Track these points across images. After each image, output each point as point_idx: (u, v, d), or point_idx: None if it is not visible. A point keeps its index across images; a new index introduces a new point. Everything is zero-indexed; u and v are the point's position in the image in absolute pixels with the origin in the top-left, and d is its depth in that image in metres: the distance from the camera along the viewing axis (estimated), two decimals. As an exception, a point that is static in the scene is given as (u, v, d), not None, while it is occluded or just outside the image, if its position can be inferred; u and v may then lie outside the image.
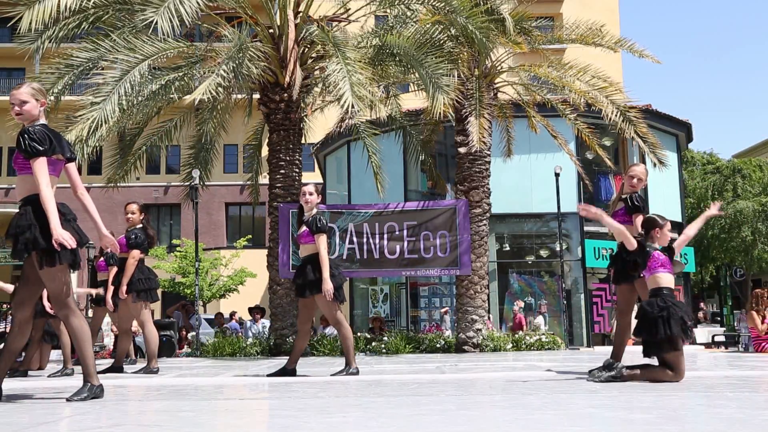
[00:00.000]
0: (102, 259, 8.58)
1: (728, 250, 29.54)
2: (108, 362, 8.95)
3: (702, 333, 18.48)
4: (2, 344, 4.95)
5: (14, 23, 10.15)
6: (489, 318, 14.40)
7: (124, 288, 7.59)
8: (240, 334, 14.06)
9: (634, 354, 6.83)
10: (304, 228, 6.56)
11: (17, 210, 4.48)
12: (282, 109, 12.29)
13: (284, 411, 3.93)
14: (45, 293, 6.33)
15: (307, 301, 6.63)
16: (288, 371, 6.60)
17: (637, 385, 5.23)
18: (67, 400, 4.37)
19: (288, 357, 6.92)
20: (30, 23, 9.96)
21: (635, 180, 6.12)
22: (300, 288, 6.58)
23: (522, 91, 14.19)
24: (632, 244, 5.66)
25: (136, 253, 7.70)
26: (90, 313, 15.00)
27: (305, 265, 6.54)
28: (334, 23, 13.16)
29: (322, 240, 6.41)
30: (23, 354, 7.93)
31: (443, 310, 18.41)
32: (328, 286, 6.32)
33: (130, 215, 7.89)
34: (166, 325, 13.42)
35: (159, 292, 8.36)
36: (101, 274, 8.63)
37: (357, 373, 6.51)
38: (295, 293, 6.89)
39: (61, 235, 4.23)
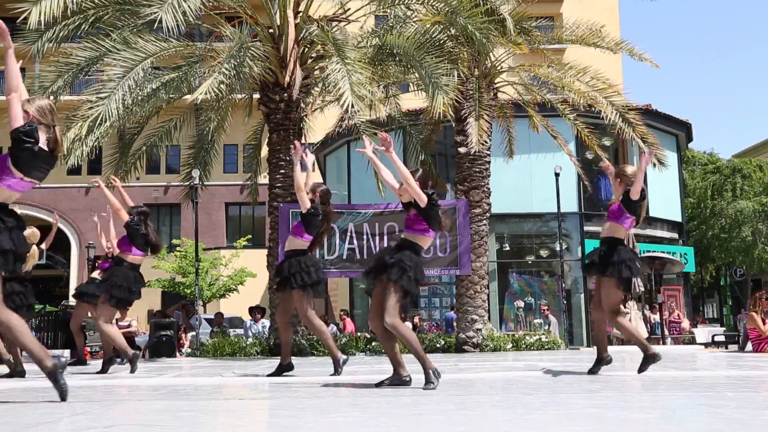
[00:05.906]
0: (102, 261, 8.59)
1: (728, 250, 29.53)
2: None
3: (702, 333, 18.47)
4: None
5: (15, 23, 10.12)
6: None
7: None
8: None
9: (634, 354, 6.83)
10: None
11: None
12: (282, 109, 12.29)
13: (284, 411, 3.93)
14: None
15: (286, 295, 6.70)
16: (284, 367, 6.59)
17: (637, 385, 5.23)
18: (63, 399, 4.35)
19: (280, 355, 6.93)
20: (39, 16, 9.86)
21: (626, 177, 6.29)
22: (281, 283, 6.63)
23: (522, 91, 14.18)
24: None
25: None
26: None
27: (286, 260, 6.63)
28: (334, 23, 13.15)
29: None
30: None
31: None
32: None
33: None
34: (166, 325, 13.37)
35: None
36: (102, 275, 8.63)
37: (346, 361, 6.50)
38: (276, 288, 7.00)
39: None
